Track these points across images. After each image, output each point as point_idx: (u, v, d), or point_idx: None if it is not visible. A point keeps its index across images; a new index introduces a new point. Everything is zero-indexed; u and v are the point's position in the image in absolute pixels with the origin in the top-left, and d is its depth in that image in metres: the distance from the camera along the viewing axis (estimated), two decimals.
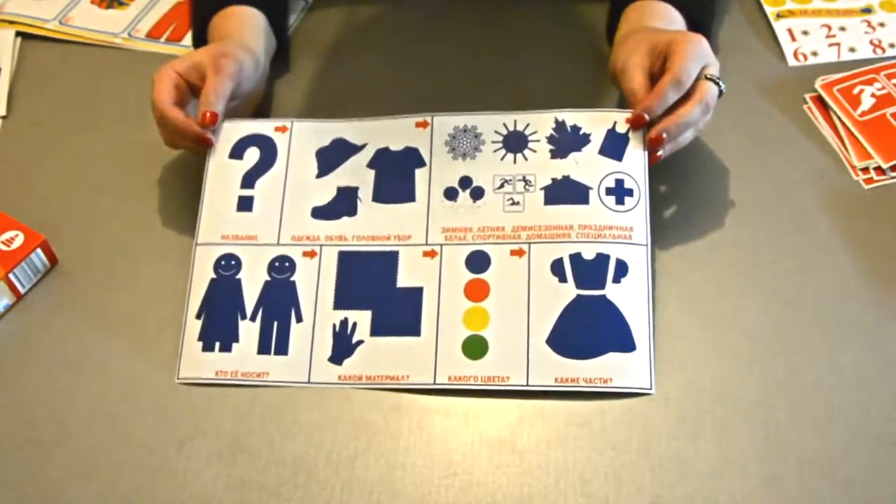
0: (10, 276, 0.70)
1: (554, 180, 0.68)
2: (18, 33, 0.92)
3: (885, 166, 0.76)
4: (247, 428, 0.64)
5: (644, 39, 0.72)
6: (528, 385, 0.63)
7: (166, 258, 0.73)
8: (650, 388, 0.63)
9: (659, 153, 0.68)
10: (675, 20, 0.77)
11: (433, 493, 0.61)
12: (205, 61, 0.73)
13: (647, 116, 0.68)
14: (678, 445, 0.62)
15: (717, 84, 0.69)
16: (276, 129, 0.73)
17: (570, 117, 0.70)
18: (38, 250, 0.72)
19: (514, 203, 0.68)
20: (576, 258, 0.66)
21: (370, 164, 0.71)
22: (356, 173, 0.71)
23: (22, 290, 0.72)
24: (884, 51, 0.86)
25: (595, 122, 0.69)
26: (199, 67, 0.73)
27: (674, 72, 0.68)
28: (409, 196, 0.69)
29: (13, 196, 0.78)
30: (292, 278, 0.68)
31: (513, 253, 0.66)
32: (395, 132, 0.72)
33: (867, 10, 0.90)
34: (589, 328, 0.64)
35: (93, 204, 0.78)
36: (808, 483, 0.60)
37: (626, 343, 0.64)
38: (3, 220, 0.73)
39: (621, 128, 0.69)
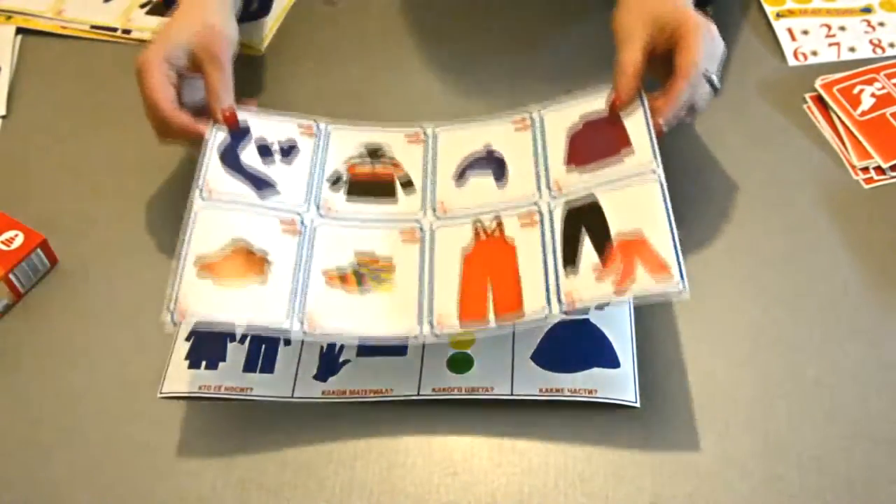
0: (10, 275, 0.70)
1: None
2: (18, 31, 0.92)
3: (884, 166, 0.76)
4: (246, 428, 0.64)
5: (651, 10, 0.70)
6: (512, 395, 0.63)
7: (167, 257, 0.73)
8: (635, 402, 0.63)
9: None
10: None
11: (433, 492, 0.61)
12: (195, 49, 0.71)
13: (664, 127, 0.68)
14: (678, 445, 0.62)
15: (713, 85, 0.69)
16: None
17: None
18: (38, 250, 0.72)
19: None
20: None
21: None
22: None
23: (22, 290, 0.72)
24: (884, 50, 0.86)
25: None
26: (189, 54, 0.71)
27: (687, 76, 0.66)
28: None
29: (13, 196, 0.78)
30: None
31: None
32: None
33: (867, 10, 0.90)
34: (573, 346, 0.65)
35: (93, 204, 0.78)
36: (808, 483, 0.60)
37: (610, 361, 0.64)
38: (3, 220, 0.74)
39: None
